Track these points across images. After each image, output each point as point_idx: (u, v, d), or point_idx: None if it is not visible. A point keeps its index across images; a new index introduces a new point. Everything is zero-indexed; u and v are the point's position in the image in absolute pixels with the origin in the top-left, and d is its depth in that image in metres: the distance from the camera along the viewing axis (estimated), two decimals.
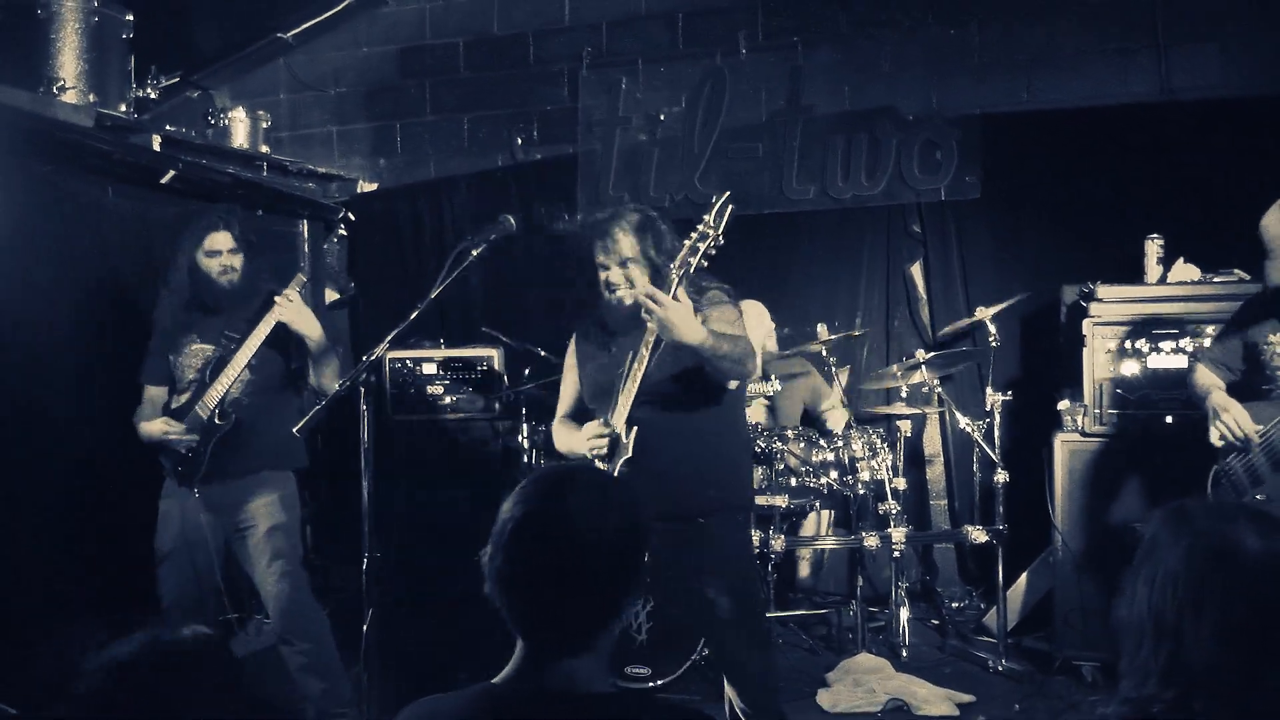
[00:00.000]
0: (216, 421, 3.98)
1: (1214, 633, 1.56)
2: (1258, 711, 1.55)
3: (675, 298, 3.04)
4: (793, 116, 6.25)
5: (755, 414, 5.46)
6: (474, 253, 3.32)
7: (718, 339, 3.14)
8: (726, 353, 3.16)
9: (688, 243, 3.09)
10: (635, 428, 3.20)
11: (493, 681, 1.72)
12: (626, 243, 3.31)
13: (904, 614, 5.10)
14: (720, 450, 3.42)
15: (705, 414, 3.38)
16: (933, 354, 5.22)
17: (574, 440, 3.44)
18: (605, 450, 3.25)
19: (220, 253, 4.06)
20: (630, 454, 3.19)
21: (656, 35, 6.62)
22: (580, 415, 3.64)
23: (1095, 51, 5.85)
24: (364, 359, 3.21)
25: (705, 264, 3.10)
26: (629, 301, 3.30)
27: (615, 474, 3.18)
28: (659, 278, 3.25)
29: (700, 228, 3.06)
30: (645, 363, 3.17)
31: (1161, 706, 1.59)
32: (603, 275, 3.35)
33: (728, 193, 3.09)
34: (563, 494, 1.71)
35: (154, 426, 4.05)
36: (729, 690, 3.44)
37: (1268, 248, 3.64)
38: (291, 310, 3.89)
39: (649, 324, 3.08)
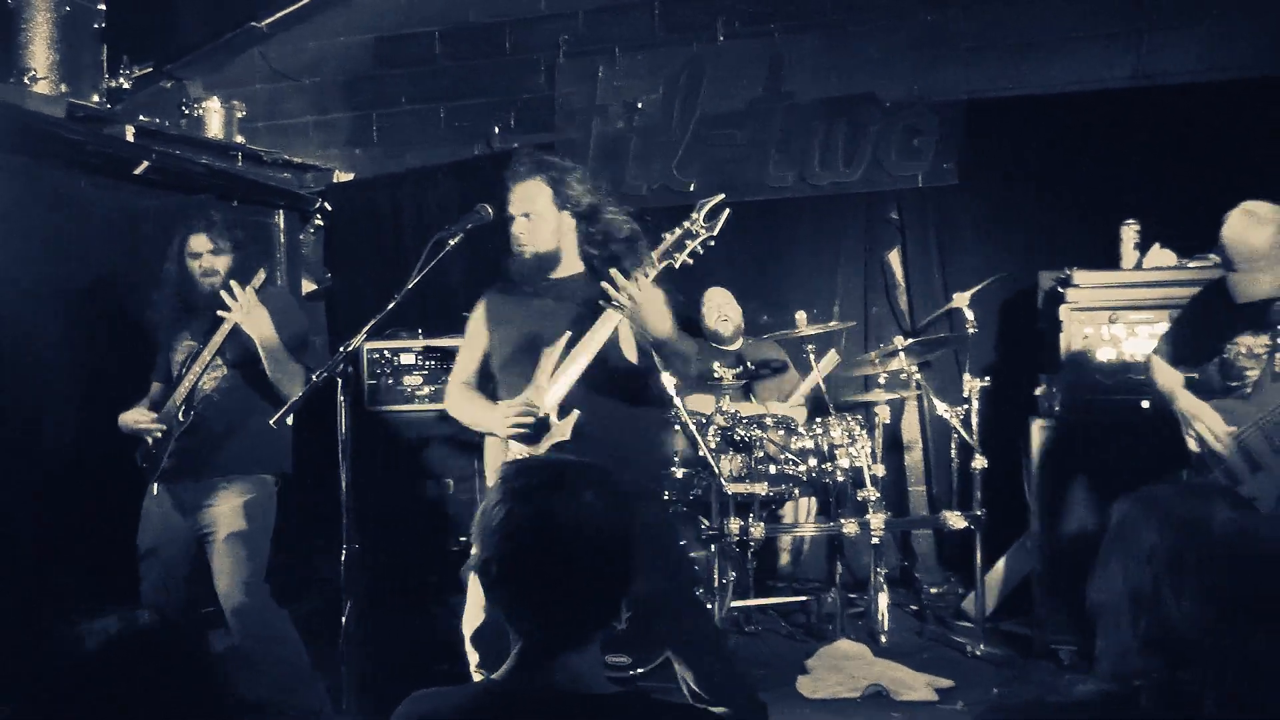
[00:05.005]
0: (179, 418, 3.97)
1: (1195, 600, 1.59)
2: (1243, 676, 1.56)
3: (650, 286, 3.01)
4: (772, 103, 6.25)
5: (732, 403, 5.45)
6: (450, 242, 3.30)
7: (681, 337, 3.12)
8: (684, 352, 3.15)
9: (671, 236, 3.05)
10: (576, 412, 3.13)
11: (493, 678, 1.71)
12: (534, 191, 3.35)
13: (883, 600, 5.12)
14: (639, 431, 3.37)
15: (637, 405, 3.34)
16: (911, 340, 5.24)
17: (485, 415, 3.35)
18: (529, 433, 3.18)
19: (200, 255, 4.04)
20: (566, 438, 3.11)
21: (634, 22, 6.60)
22: (483, 381, 3.54)
23: (1078, 37, 5.85)
24: (341, 349, 3.19)
25: (690, 261, 3.06)
26: (528, 255, 3.32)
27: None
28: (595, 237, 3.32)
29: (688, 224, 3.01)
30: (595, 349, 3.13)
31: (1143, 681, 1.60)
32: (512, 226, 3.37)
33: (722, 195, 3.05)
34: (559, 492, 1.68)
35: (128, 416, 4.06)
36: (680, 672, 3.34)
37: (1231, 260, 3.57)
38: (240, 312, 3.84)
39: (615, 311, 3.03)
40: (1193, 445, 3.72)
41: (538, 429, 3.17)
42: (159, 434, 3.98)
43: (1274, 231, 3.46)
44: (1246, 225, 3.50)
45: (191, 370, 3.97)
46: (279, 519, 4.16)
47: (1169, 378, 3.87)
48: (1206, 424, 3.64)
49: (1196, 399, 3.74)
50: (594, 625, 1.70)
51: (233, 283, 3.85)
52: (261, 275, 3.90)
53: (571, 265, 3.42)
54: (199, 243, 4.05)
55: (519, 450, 3.22)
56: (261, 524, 4.02)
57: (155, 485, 4.05)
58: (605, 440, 3.13)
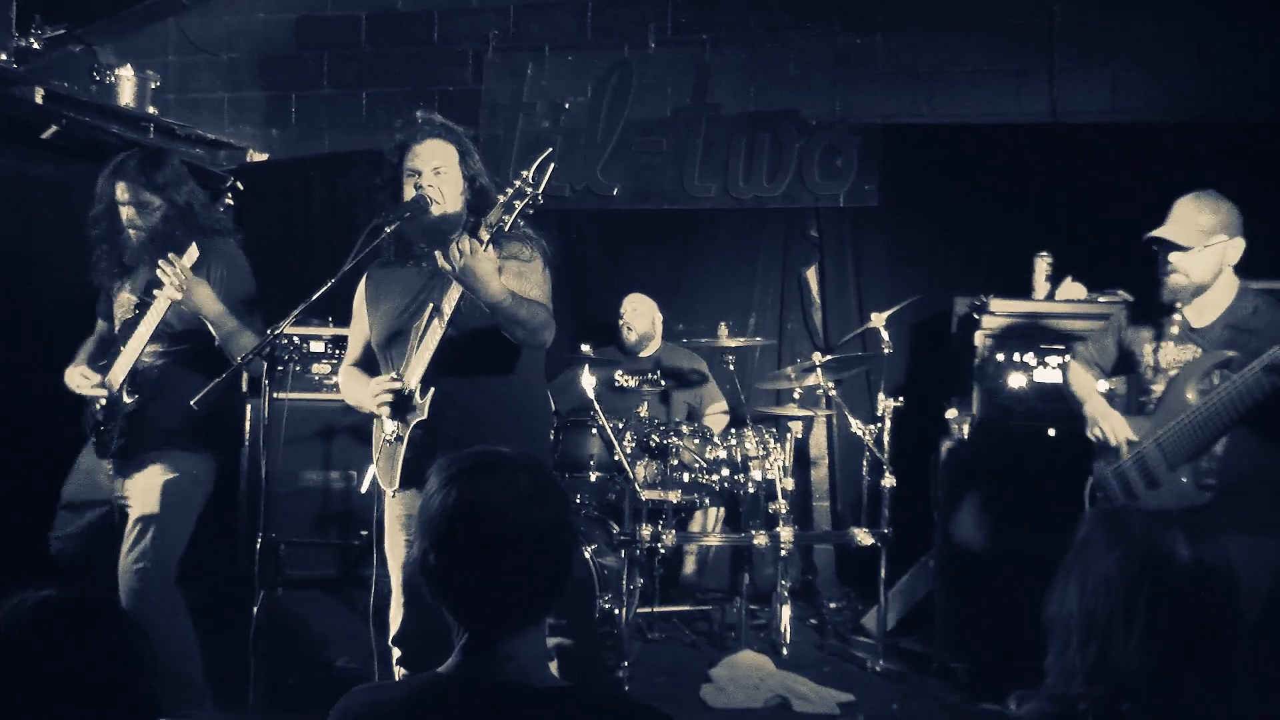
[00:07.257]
0: (124, 400, 3.76)
1: (1141, 637, 1.61)
2: (1181, 716, 1.59)
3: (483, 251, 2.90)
4: (698, 113, 6.29)
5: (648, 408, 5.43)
6: (387, 229, 3.21)
7: (517, 302, 3.01)
8: (524, 319, 3.03)
9: (502, 198, 2.95)
10: (432, 389, 3.06)
11: (439, 670, 1.68)
12: (442, 149, 3.26)
13: (785, 612, 5.15)
14: (518, 415, 3.28)
15: (503, 376, 3.25)
16: (829, 358, 5.29)
17: (362, 394, 3.26)
18: (391, 408, 3.12)
19: (126, 203, 3.80)
20: (425, 416, 3.06)
21: (564, 22, 6.57)
22: (371, 362, 3.45)
23: (993, 70, 6.01)
24: (269, 333, 3.10)
25: (521, 223, 2.98)
26: (435, 214, 3.20)
27: (406, 437, 3.09)
28: (478, 205, 3.23)
29: (518, 184, 2.92)
30: (446, 322, 3.07)
31: (1086, 705, 1.62)
32: (410, 184, 3.24)
33: (550, 149, 2.96)
34: (492, 476, 1.67)
35: (72, 377, 3.87)
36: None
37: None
38: (177, 288, 3.56)
39: (451, 278, 2.95)
40: (1094, 436, 3.83)
41: (403, 406, 3.11)
42: (101, 403, 3.81)
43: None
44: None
45: (129, 346, 3.73)
46: None
47: (1083, 384, 3.98)
48: (1110, 426, 3.75)
49: (1106, 405, 3.86)
50: (539, 606, 1.70)
51: (171, 256, 3.56)
52: (194, 251, 3.64)
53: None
54: (120, 190, 3.81)
55: (392, 428, 3.17)
56: (179, 508, 3.79)
57: (92, 442, 3.87)
58: (467, 412, 3.05)
